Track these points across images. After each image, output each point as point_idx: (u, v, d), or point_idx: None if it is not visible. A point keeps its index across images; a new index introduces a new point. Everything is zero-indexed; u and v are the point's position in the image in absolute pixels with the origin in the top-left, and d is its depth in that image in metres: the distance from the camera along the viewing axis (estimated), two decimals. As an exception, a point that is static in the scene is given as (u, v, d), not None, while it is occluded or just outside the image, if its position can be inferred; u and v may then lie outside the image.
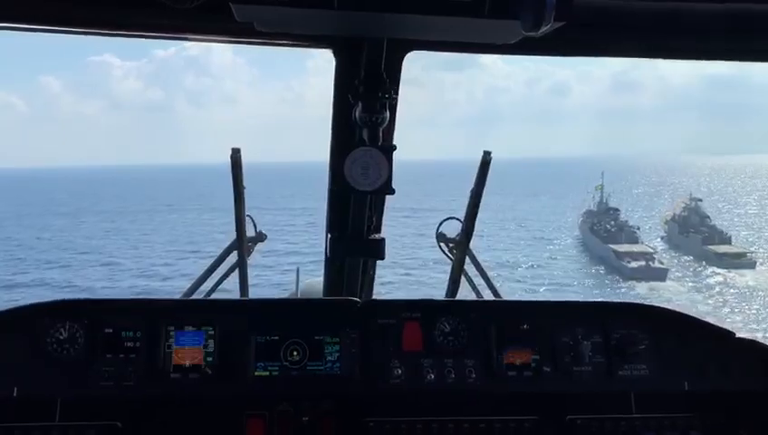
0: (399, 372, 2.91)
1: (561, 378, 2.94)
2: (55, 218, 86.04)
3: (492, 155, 3.60)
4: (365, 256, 3.47)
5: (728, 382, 2.96)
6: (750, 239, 71.23)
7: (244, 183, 3.65)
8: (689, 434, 2.90)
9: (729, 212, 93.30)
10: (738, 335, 3.06)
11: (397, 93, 2.81)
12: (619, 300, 3.21)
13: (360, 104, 2.66)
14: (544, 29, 1.86)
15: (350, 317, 3.00)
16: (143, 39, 2.83)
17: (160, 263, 57.02)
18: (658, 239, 68.61)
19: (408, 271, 47.93)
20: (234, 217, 3.76)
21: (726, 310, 44.62)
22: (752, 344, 3.05)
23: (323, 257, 3.59)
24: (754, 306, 45.52)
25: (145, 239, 70.33)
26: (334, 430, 2.88)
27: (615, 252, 56.03)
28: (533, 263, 58.78)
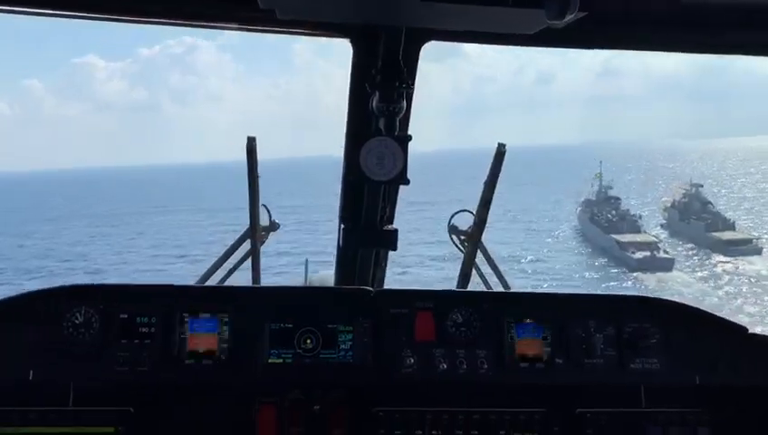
0: (412, 361, 2.90)
1: (573, 370, 2.93)
2: (41, 224, 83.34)
3: (506, 147, 3.53)
4: (378, 246, 3.41)
5: (739, 378, 2.95)
6: (751, 224, 69.81)
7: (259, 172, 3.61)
8: (698, 430, 2.90)
9: (726, 197, 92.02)
10: (751, 331, 3.00)
11: (413, 83, 2.82)
12: (629, 293, 3.47)
13: (377, 94, 2.65)
14: (568, 18, 1.89)
15: (364, 306, 3.01)
16: (165, 26, 2.83)
17: (144, 268, 54.66)
18: (658, 227, 67.08)
19: (404, 269, 46.07)
20: (248, 205, 3.75)
21: (740, 301, 42.97)
22: (764, 340, 3.00)
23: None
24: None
25: (130, 245, 67.99)
26: (345, 418, 2.91)
27: (618, 242, 54.59)
28: (534, 256, 57.13)
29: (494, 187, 3.65)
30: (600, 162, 70.53)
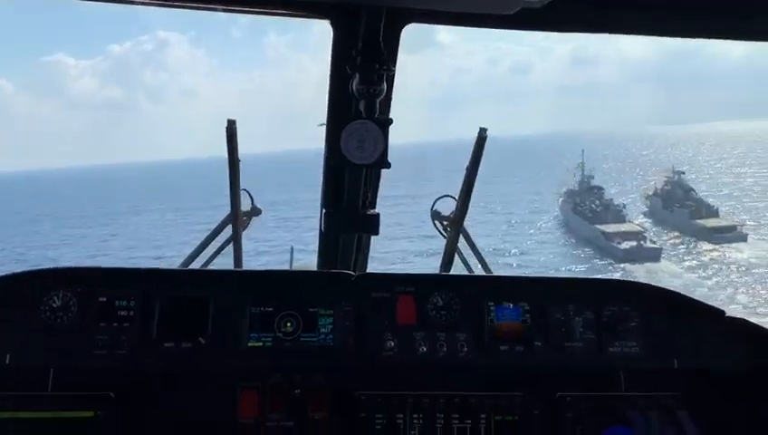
0: (392, 344, 2.93)
1: (552, 353, 2.95)
2: (11, 228, 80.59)
3: (487, 132, 3.57)
4: (360, 230, 3.41)
5: (716, 361, 2.98)
6: (732, 210, 69.66)
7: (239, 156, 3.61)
8: (677, 413, 2.91)
9: (705, 183, 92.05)
10: (728, 314, 3.05)
11: (395, 66, 2.85)
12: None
13: (357, 76, 2.65)
14: None
15: (345, 290, 3.03)
16: (132, 5, 2.74)
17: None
18: (641, 216, 66.65)
19: (388, 267, 44.89)
20: (229, 190, 3.75)
21: (730, 290, 42.39)
22: (741, 323, 3.05)
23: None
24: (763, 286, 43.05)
25: (105, 247, 65.74)
26: (326, 402, 2.92)
27: (603, 233, 53.91)
28: (518, 250, 56.22)
29: (476, 172, 3.71)
30: (583, 151, 70.02)
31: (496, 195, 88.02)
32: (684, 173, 70.48)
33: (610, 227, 54.60)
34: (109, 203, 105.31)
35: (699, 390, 2.99)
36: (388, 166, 2.79)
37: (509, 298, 3.05)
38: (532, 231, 65.45)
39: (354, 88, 2.68)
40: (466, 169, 3.75)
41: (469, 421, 2.96)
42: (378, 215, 3.19)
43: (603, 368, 3.02)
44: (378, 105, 2.72)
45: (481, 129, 3.61)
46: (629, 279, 3.30)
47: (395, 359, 2.94)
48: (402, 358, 2.95)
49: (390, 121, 2.75)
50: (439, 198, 4.00)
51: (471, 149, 3.69)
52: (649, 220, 64.98)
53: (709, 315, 3.11)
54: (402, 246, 49.15)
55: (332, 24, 2.85)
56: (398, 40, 2.88)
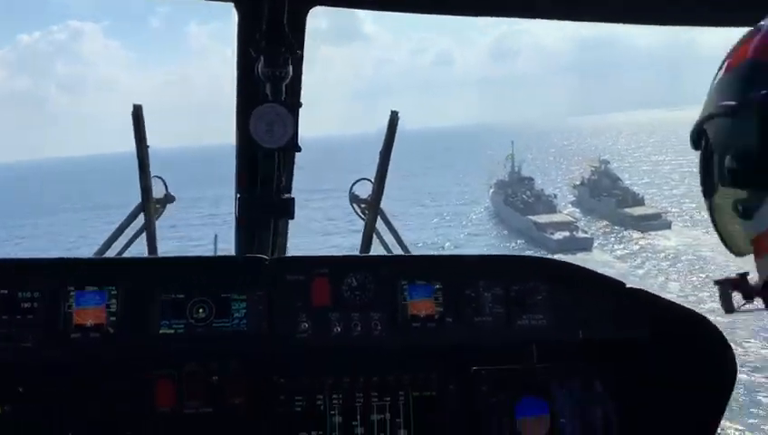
0: (306, 326, 2.95)
1: (463, 329, 3.03)
2: None
3: (399, 115, 3.70)
4: (275, 215, 3.41)
5: (619, 331, 3.08)
6: (655, 198, 71.55)
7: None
8: (586, 382, 3.03)
9: (626, 171, 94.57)
10: (628, 286, 3.17)
11: (301, 49, 2.88)
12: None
13: (262, 59, 2.68)
14: None
15: (258, 275, 3.03)
16: None
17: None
18: (569, 206, 67.56)
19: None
20: (138, 177, 3.72)
21: (662, 278, 43.02)
22: (641, 294, 3.17)
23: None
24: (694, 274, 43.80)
25: (9, 253, 61.13)
26: (244, 388, 2.92)
27: (535, 223, 54.15)
28: (452, 243, 55.67)
29: (389, 154, 3.82)
30: (512, 142, 70.38)
31: (426, 187, 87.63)
32: (609, 162, 71.93)
33: (542, 218, 55.02)
34: (22, 203, 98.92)
35: (606, 359, 3.09)
36: (298, 149, 2.86)
37: (422, 277, 3.08)
38: (464, 222, 65.28)
39: (260, 71, 2.68)
40: (380, 152, 3.85)
41: (388, 399, 3.01)
42: (293, 199, 3.17)
43: (514, 341, 3.09)
44: (284, 88, 2.72)
45: (392, 112, 3.73)
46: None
47: (309, 341, 2.94)
48: (317, 340, 2.95)
49: (300, 105, 2.84)
50: (356, 181, 4.06)
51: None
52: (578, 210, 65.93)
53: (610, 287, 3.19)
54: (336, 241, 47.64)
55: (236, 6, 2.84)
56: (304, 23, 2.88)
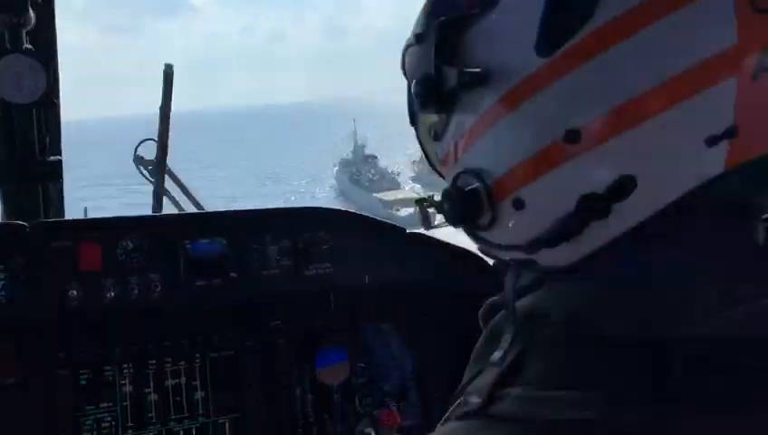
0: (75, 293, 2.73)
1: (251, 283, 2.96)
2: None
3: (174, 68, 3.74)
4: (40, 179, 3.18)
5: (404, 274, 3.16)
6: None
7: None
8: (381, 327, 3.15)
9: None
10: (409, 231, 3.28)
11: None
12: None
13: None
14: None
15: (18, 243, 2.76)
16: None
17: None
18: (409, 181, 69.40)
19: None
20: None
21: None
22: (422, 238, 3.24)
23: None
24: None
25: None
26: (15, 365, 2.66)
27: (381, 201, 55.26)
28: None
29: (168, 109, 3.83)
30: (354, 120, 71.05)
31: (270, 166, 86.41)
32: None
33: (388, 196, 56.23)
34: None
35: (396, 302, 3.16)
36: (57, 105, 2.82)
37: (207, 234, 2.95)
38: (311, 201, 65.35)
39: None
40: (160, 108, 3.83)
41: (183, 363, 2.90)
42: (60, 161, 3.04)
43: (305, 292, 3.08)
44: (25, 36, 2.59)
45: (166, 65, 3.74)
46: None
47: (80, 308, 2.73)
48: (88, 306, 2.74)
49: (51, 55, 2.73)
50: (140, 142, 3.98)
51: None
52: (418, 185, 68.07)
53: (392, 233, 3.25)
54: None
55: None
56: None
